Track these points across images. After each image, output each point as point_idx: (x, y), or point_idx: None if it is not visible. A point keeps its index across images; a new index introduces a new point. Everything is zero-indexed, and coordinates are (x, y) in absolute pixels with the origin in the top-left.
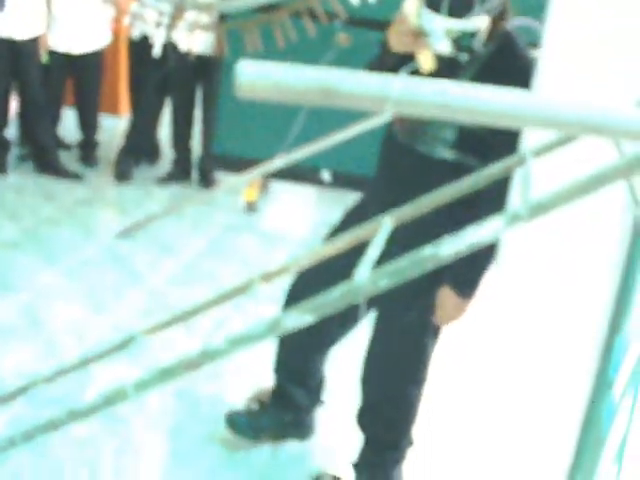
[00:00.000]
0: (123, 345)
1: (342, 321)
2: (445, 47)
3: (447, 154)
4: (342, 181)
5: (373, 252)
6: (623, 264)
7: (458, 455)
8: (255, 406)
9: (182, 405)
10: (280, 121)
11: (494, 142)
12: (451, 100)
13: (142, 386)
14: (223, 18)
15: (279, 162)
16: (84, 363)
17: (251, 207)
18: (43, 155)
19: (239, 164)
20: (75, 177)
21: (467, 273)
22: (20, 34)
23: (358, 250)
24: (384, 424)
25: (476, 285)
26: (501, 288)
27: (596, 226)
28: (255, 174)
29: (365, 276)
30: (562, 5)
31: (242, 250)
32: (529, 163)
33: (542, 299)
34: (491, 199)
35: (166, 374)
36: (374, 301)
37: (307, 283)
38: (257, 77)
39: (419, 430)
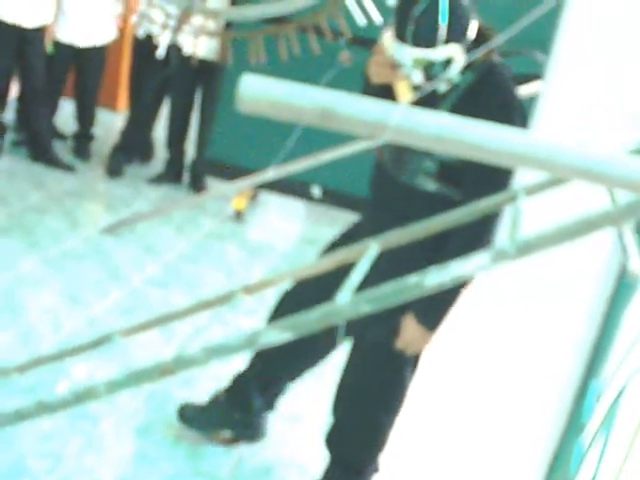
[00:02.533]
0: (99, 343)
1: (325, 344)
2: (417, 78)
3: (429, 185)
4: (332, 198)
5: (356, 276)
6: (605, 309)
7: None
8: (206, 401)
9: (152, 407)
10: (276, 133)
11: (470, 175)
12: (447, 133)
13: (115, 386)
14: (229, 26)
15: (271, 174)
16: (58, 357)
17: (239, 216)
18: (37, 143)
19: (231, 172)
20: (67, 168)
21: (432, 305)
22: (28, 22)
23: (348, 272)
24: (352, 448)
25: (440, 318)
26: (478, 323)
27: (581, 269)
28: (246, 183)
29: (346, 300)
30: (568, 40)
31: (225, 258)
32: (520, 201)
33: (520, 337)
34: (465, 235)
35: (139, 377)
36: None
37: (294, 300)
38: (258, 93)
39: (386, 457)
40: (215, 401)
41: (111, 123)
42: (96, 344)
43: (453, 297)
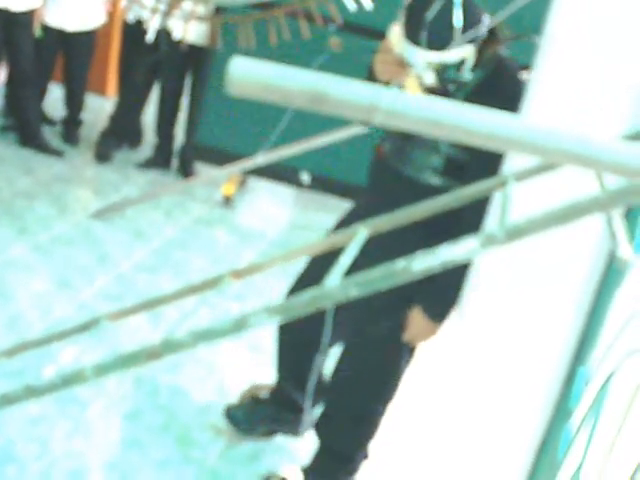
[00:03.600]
0: (86, 327)
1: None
2: (429, 79)
3: (434, 180)
4: (321, 184)
5: (345, 260)
6: (593, 295)
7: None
8: (251, 401)
9: (140, 392)
10: (265, 118)
11: (476, 169)
12: (438, 116)
13: (102, 370)
14: (219, 10)
15: (260, 159)
16: (46, 341)
17: (227, 202)
18: (26, 128)
19: (220, 157)
20: (56, 153)
21: (439, 296)
22: (16, 5)
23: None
24: (342, 435)
25: (447, 309)
26: (466, 309)
27: (570, 255)
28: (235, 169)
29: (335, 283)
30: (560, 24)
31: (213, 243)
32: (510, 186)
33: (508, 323)
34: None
35: (127, 361)
36: (357, 321)
37: (303, 286)
38: (249, 75)
39: (376, 444)
40: (258, 401)
41: (100, 108)
42: (84, 328)
43: (459, 288)
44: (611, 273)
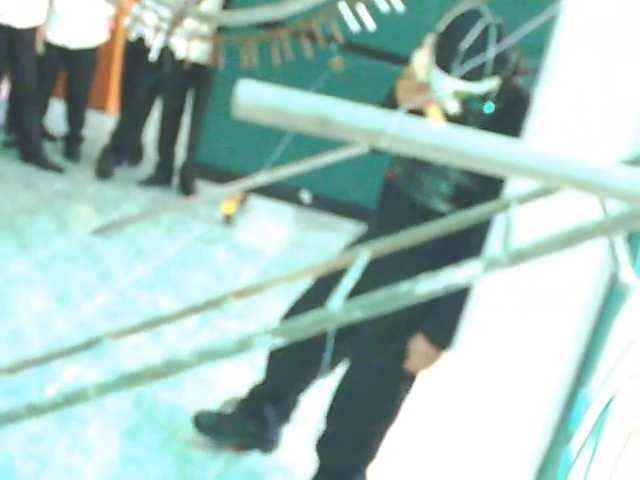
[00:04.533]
0: (88, 345)
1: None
2: (453, 108)
3: (442, 207)
4: (321, 203)
5: (348, 282)
6: (594, 318)
7: None
8: (227, 410)
9: (139, 410)
10: (266, 137)
11: (485, 199)
12: (442, 141)
13: (105, 389)
14: (221, 29)
15: (262, 178)
16: (48, 359)
17: (228, 220)
18: (27, 143)
19: (220, 175)
20: (57, 169)
21: (444, 324)
22: (20, 22)
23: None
24: (341, 457)
25: (451, 337)
26: (468, 331)
27: (571, 278)
28: (237, 188)
29: (338, 305)
30: (563, 47)
31: (213, 262)
32: (512, 209)
33: (509, 345)
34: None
35: (130, 380)
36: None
37: (306, 307)
38: (255, 99)
39: (375, 467)
40: (230, 411)
41: (101, 125)
42: (86, 347)
43: (461, 314)
44: (613, 297)
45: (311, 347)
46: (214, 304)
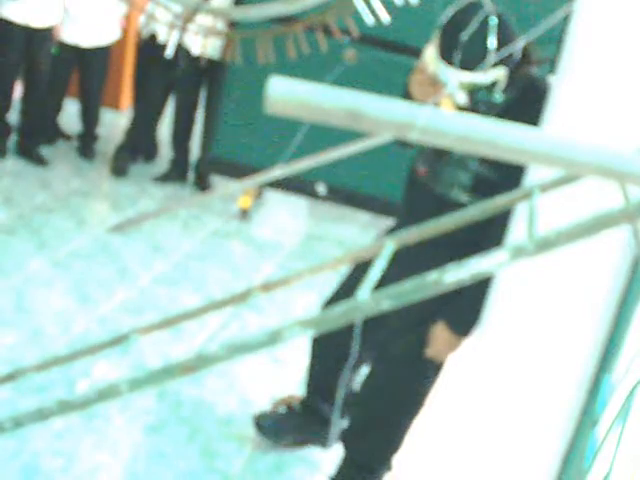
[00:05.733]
0: (116, 342)
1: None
2: (461, 99)
3: (462, 197)
4: (337, 195)
5: (375, 273)
6: (617, 303)
7: None
8: (282, 410)
9: (163, 406)
10: (281, 131)
11: (504, 188)
12: (470, 132)
13: (136, 384)
14: (234, 25)
15: (277, 172)
16: (75, 356)
17: (244, 214)
18: (26, 138)
19: (236, 170)
20: (39, 162)
21: (463, 310)
22: (36, 22)
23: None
24: (367, 447)
25: (472, 324)
26: (491, 318)
27: (593, 262)
28: (252, 182)
29: (366, 296)
30: (581, 36)
31: (231, 256)
32: (535, 198)
33: (533, 332)
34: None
35: (161, 375)
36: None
37: (348, 290)
38: (287, 94)
39: (400, 457)
40: (290, 411)
41: (115, 122)
42: (113, 343)
43: (482, 301)
44: (635, 282)
45: (347, 339)
46: (241, 298)
